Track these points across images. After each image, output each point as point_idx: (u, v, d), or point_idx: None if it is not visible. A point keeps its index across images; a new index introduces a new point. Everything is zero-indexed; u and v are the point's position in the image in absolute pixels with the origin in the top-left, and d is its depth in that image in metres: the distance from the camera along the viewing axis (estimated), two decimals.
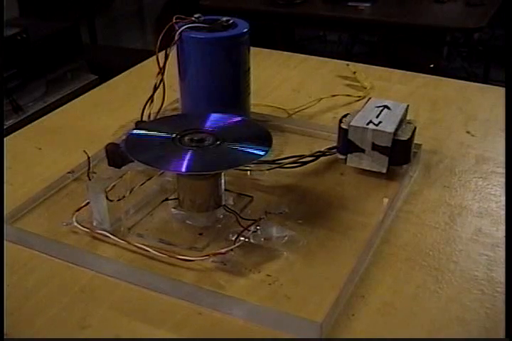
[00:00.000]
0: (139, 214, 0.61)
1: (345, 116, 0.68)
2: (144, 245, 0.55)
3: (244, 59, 0.71)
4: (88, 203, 0.59)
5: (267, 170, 0.66)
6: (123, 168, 0.58)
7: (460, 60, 2.79)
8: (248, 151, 0.56)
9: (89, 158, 0.65)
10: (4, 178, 0.67)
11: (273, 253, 0.56)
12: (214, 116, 0.62)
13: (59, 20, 2.10)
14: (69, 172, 0.67)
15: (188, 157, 0.55)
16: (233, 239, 0.55)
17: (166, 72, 0.68)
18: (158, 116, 0.68)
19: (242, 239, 0.55)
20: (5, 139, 0.75)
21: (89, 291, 0.53)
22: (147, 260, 0.55)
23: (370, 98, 0.72)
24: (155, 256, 0.55)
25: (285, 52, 1.06)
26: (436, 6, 2.11)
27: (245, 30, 0.69)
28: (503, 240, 0.58)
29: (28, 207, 0.63)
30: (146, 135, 0.59)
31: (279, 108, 0.84)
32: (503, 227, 0.60)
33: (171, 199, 0.62)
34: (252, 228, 0.56)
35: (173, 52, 0.68)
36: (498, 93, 0.88)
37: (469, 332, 0.49)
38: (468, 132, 0.79)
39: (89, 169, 0.64)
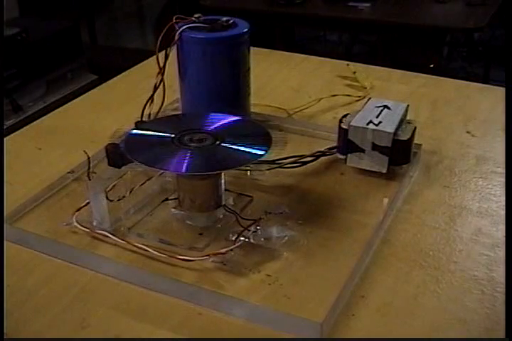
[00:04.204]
0: (139, 214, 0.61)
1: (345, 116, 0.68)
2: (144, 245, 0.55)
3: (244, 59, 0.71)
4: (88, 203, 0.59)
5: (267, 170, 0.66)
6: (123, 168, 0.58)
7: (460, 60, 2.79)
8: (248, 151, 0.56)
9: (89, 158, 0.65)
10: (4, 178, 0.67)
11: (273, 253, 0.56)
12: (214, 116, 0.62)
13: (59, 20, 2.10)
14: (69, 172, 0.67)
15: (187, 157, 0.55)
16: (233, 239, 0.55)
17: (166, 72, 0.68)
18: (158, 116, 0.68)
19: (242, 239, 0.55)
20: (5, 139, 0.75)
21: (89, 291, 0.53)
22: (147, 260, 0.55)
23: (370, 98, 0.72)
24: (155, 256, 0.55)
25: (285, 52, 1.06)
26: (436, 6, 2.11)
27: (245, 30, 0.69)
28: (503, 240, 0.58)
29: (28, 207, 0.63)
30: (146, 135, 0.59)
31: (279, 108, 0.84)
32: (503, 227, 0.60)
33: (171, 199, 0.62)
34: (252, 228, 0.56)
35: (173, 52, 0.69)
36: (498, 93, 0.88)
37: (469, 332, 0.49)
38: (468, 132, 0.79)
39: (89, 169, 0.64)
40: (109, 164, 0.58)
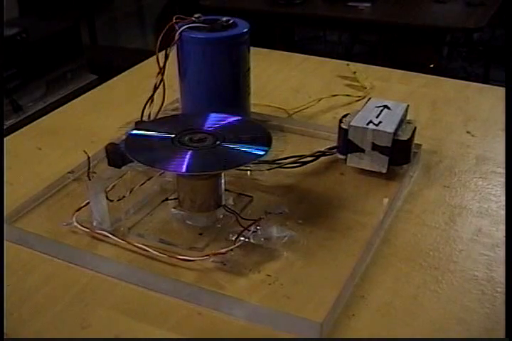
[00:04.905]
0: (139, 214, 0.61)
1: (345, 116, 0.68)
2: (144, 245, 0.55)
3: (244, 59, 0.71)
4: (88, 203, 0.59)
5: (267, 170, 0.66)
6: (123, 168, 0.58)
7: (460, 60, 2.79)
8: (248, 151, 0.56)
9: (89, 158, 0.65)
10: (4, 178, 0.67)
11: (273, 253, 0.56)
12: (214, 116, 0.62)
13: (59, 20, 2.10)
14: (69, 172, 0.67)
15: (188, 157, 0.55)
16: (233, 239, 0.55)
17: (166, 72, 0.68)
18: (158, 116, 0.68)
19: (242, 239, 0.55)
20: (5, 139, 0.75)
21: (89, 291, 0.53)
22: (147, 260, 0.55)
23: (370, 98, 0.72)
24: (155, 256, 0.55)
25: (285, 52, 1.06)
26: (436, 6, 2.11)
27: (245, 30, 0.69)
28: (503, 240, 0.58)
29: (28, 207, 0.63)
30: (146, 135, 0.59)
31: (279, 108, 0.84)
32: (503, 227, 0.60)
33: (171, 199, 0.62)
34: (252, 228, 0.56)
35: (173, 52, 0.68)
36: (498, 93, 0.88)
37: (469, 332, 0.49)
38: (468, 132, 0.79)
39: (89, 169, 0.64)
40: (109, 164, 0.58)
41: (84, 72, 2.05)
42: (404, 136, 0.65)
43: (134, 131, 0.60)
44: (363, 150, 0.65)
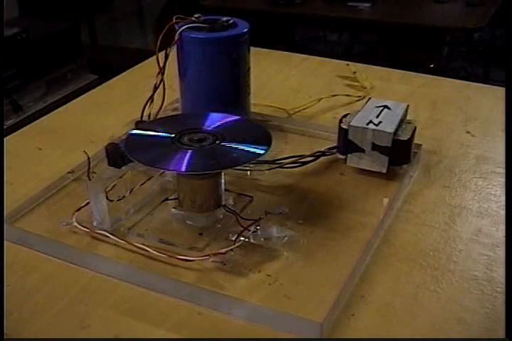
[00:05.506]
0: (139, 214, 0.61)
1: (345, 116, 0.68)
2: (144, 245, 0.55)
3: (244, 59, 0.71)
4: (88, 203, 0.59)
5: (267, 170, 0.66)
6: (123, 168, 0.58)
7: (460, 60, 2.79)
8: (248, 150, 0.56)
9: (89, 158, 0.65)
10: (4, 178, 0.67)
11: (273, 253, 0.56)
12: (214, 116, 0.62)
13: (59, 20, 2.10)
14: (69, 172, 0.67)
15: (187, 157, 0.55)
16: (233, 239, 0.55)
17: (166, 72, 0.68)
18: (158, 116, 0.68)
19: (242, 239, 0.55)
20: (5, 139, 0.75)
21: (89, 291, 0.53)
22: (147, 260, 0.55)
23: (370, 98, 0.72)
24: (155, 256, 0.55)
25: (285, 52, 1.06)
26: (436, 6, 2.11)
27: (245, 30, 0.69)
28: (503, 240, 0.58)
29: (28, 207, 0.63)
30: (146, 135, 0.59)
31: (279, 108, 0.84)
32: (503, 227, 0.60)
33: (171, 199, 0.62)
34: (252, 228, 0.56)
35: (173, 52, 0.69)
36: (498, 93, 0.88)
37: (469, 332, 0.49)
38: (468, 132, 0.79)
39: (89, 169, 0.64)
40: (109, 164, 0.58)
41: (84, 72, 2.05)
42: (404, 136, 0.65)
43: (134, 131, 0.60)
44: (363, 150, 0.65)
